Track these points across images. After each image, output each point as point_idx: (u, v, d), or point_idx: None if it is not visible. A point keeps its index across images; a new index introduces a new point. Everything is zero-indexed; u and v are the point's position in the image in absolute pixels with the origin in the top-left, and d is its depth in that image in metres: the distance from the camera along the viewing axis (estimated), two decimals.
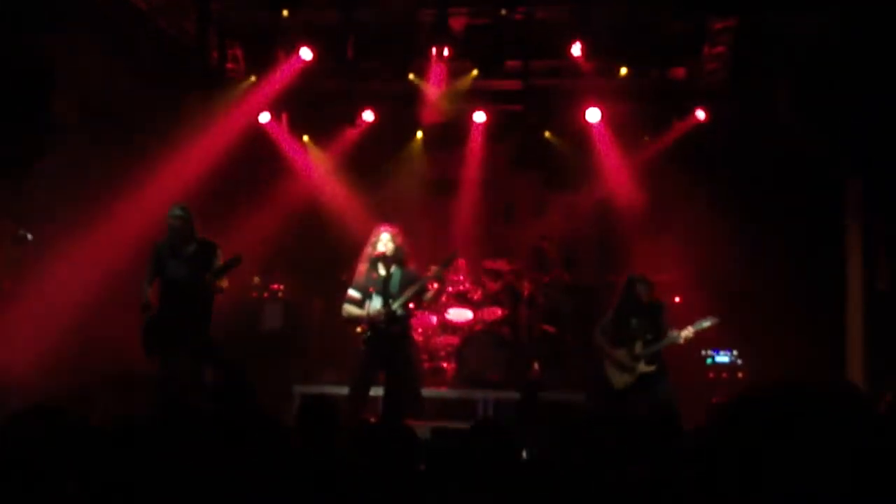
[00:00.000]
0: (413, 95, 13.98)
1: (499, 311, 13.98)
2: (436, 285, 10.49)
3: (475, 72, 13.71)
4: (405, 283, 10.30)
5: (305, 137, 14.94)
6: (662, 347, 10.75)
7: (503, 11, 12.45)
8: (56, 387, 9.83)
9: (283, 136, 14.68)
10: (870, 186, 11.20)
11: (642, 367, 10.76)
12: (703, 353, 13.24)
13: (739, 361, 13.25)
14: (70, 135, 11.35)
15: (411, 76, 13.72)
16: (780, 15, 11.52)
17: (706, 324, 10.67)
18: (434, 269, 10.31)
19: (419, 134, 15.15)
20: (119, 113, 12.05)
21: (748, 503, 1.54)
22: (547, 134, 14.66)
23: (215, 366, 10.02)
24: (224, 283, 10.06)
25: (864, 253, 11.17)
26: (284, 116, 14.56)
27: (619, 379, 10.90)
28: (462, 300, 14.06)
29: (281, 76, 13.58)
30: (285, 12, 12.78)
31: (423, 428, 7.25)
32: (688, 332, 10.65)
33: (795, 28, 11.52)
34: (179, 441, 4.39)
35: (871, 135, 10.70)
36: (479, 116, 14.63)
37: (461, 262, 13.78)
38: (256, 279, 14.00)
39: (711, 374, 13.25)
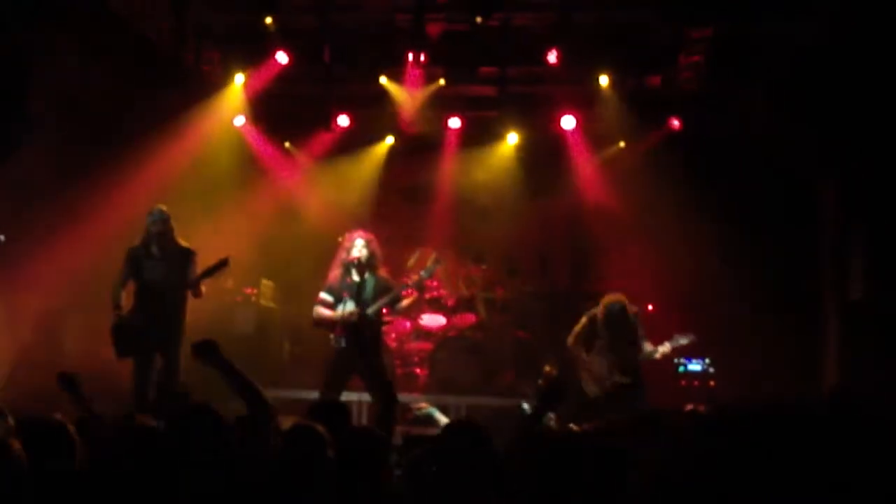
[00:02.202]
0: (389, 101, 13.96)
1: (472, 318, 13.99)
2: (413, 294, 10.49)
3: (442, 81, 13.70)
4: (379, 289, 10.29)
5: (287, 144, 14.91)
6: (639, 361, 10.78)
7: (479, 19, 12.42)
8: (23, 387, 9.82)
9: (258, 140, 14.62)
10: (843, 193, 11.25)
11: (618, 378, 10.77)
12: (676, 361, 13.25)
13: (711, 370, 13.28)
14: (46, 133, 11.31)
15: (386, 81, 13.69)
16: (756, 24, 11.56)
17: (683, 341, 10.74)
18: (415, 278, 10.31)
19: (390, 139, 15.10)
20: (95, 112, 12.00)
21: None
22: (521, 140, 14.65)
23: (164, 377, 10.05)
24: (203, 289, 10.07)
25: (838, 261, 11.22)
26: (260, 120, 14.50)
27: (593, 389, 10.91)
28: (436, 306, 14.06)
29: (257, 80, 13.55)
30: (269, 20, 12.75)
31: (395, 435, 7.23)
32: (665, 347, 10.71)
33: (770, 37, 11.56)
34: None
35: (845, 142, 10.75)
36: (454, 122, 14.62)
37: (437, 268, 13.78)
38: (230, 283, 13.96)
39: (683, 382, 13.27)
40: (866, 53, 10.08)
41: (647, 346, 10.76)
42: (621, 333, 10.85)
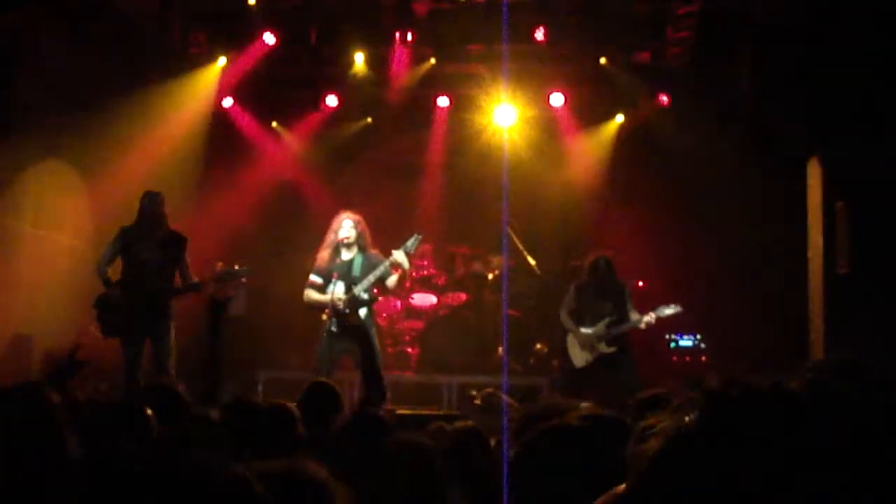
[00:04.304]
0: (377, 80, 13.95)
1: (463, 296, 14.00)
2: (399, 270, 10.46)
3: (433, 60, 13.71)
4: (367, 267, 10.29)
5: (274, 124, 14.87)
6: (624, 330, 10.82)
7: None
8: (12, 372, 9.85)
9: (246, 121, 14.60)
10: (831, 169, 11.26)
11: (602, 348, 10.83)
12: (667, 336, 13.30)
13: (702, 345, 13.33)
14: (34, 115, 11.30)
15: (363, 60, 13.67)
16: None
17: (668, 311, 10.75)
18: (396, 252, 10.29)
19: (370, 119, 15.09)
20: (82, 96, 11.98)
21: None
22: (510, 118, 14.66)
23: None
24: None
25: (826, 236, 11.22)
26: (248, 101, 14.47)
27: (580, 357, 10.96)
28: (426, 285, 14.08)
29: (244, 60, 13.52)
30: (252, 1, 12.73)
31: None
32: (650, 317, 10.73)
33: (757, 11, 11.56)
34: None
35: (833, 118, 10.75)
36: (443, 101, 14.61)
37: (426, 247, 13.77)
38: (220, 264, 13.93)
39: (675, 358, 13.32)
40: (852, 30, 10.09)
41: (634, 316, 10.80)
42: (607, 288, 10.89)
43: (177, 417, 4.93)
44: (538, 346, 12.87)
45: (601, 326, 10.84)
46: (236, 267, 10.37)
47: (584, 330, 10.96)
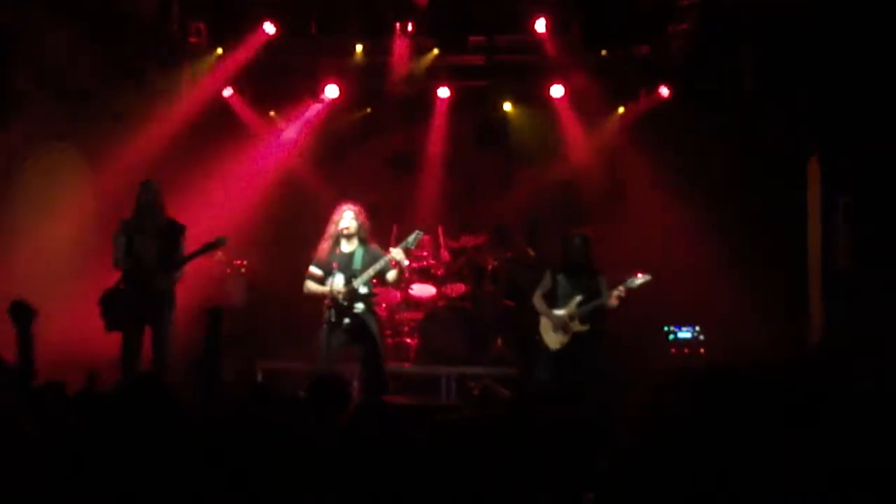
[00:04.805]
0: (377, 71, 13.94)
1: (462, 287, 14.00)
2: (399, 265, 10.47)
3: (436, 51, 13.70)
4: (368, 260, 10.30)
5: (272, 113, 14.86)
6: (596, 306, 10.75)
7: None
8: None
9: (246, 111, 14.59)
10: (830, 163, 11.28)
11: (576, 327, 10.77)
12: (666, 328, 13.32)
13: (701, 337, 13.32)
14: (33, 104, 11.29)
15: (360, 50, 13.66)
16: None
17: (638, 282, 10.66)
18: (395, 249, 10.29)
19: (370, 110, 15.08)
20: (82, 86, 11.97)
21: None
22: (511, 110, 14.68)
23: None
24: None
25: (825, 229, 11.25)
26: (248, 91, 14.47)
27: (554, 339, 10.91)
28: (425, 276, 14.07)
29: (244, 50, 13.51)
30: None
31: None
32: (619, 291, 10.61)
33: (759, 6, 11.56)
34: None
35: (834, 112, 10.77)
36: (443, 92, 14.61)
37: (426, 238, 13.76)
38: (220, 255, 13.95)
39: (673, 350, 13.31)
40: (853, 27, 10.10)
41: (605, 292, 10.75)
42: (582, 269, 10.87)
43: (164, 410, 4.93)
44: (537, 337, 12.88)
45: (573, 306, 10.80)
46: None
47: (556, 312, 10.92)
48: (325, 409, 5.75)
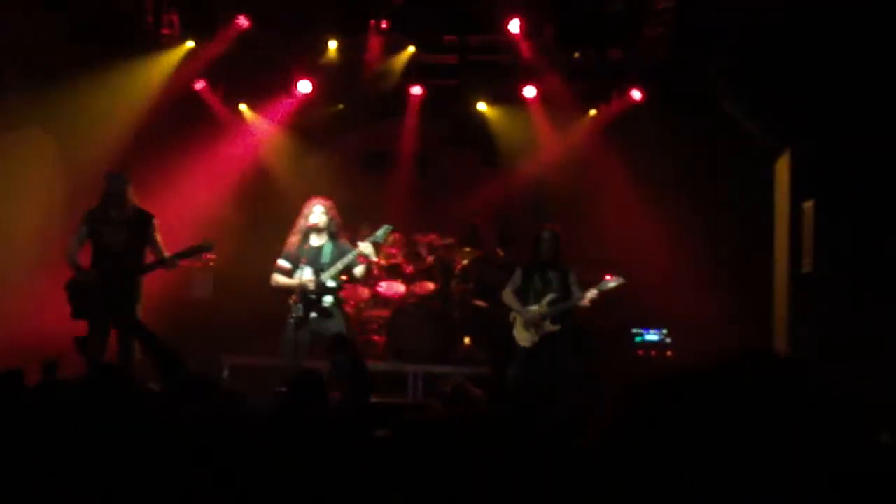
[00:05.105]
0: (350, 67, 13.91)
1: (431, 286, 14.00)
2: (366, 260, 10.46)
3: (411, 48, 13.69)
4: (336, 255, 10.31)
5: (242, 106, 14.80)
6: (568, 307, 10.77)
7: None
8: None
9: (218, 104, 14.53)
10: (799, 167, 11.34)
11: (547, 326, 10.79)
12: (633, 331, 13.35)
13: (668, 340, 13.37)
14: (5, 90, 11.23)
15: (335, 47, 13.63)
16: None
17: (611, 285, 10.70)
18: (363, 244, 10.29)
19: (343, 106, 15.04)
20: (55, 71, 11.91)
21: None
22: (482, 109, 14.68)
23: (143, 342, 10.00)
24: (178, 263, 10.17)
25: (792, 234, 11.31)
26: (220, 84, 14.41)
27: (525, 337, 10.93)
28: (395, 273, 14.06)
29: (217, 43, 13.45)
30: None
31: None
32: (592, 293, 10.65)
33: (732, 9, 11.59)
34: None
35: (803, 116, 10.83)
36: (416, 90, 14.61)
37: (396, 235, 13.76)
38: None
39: (640, 352, 13.36)
40: (823, 29, 10.16)
41: (577, 293, 10.77)
42: (552, 265, 10.88)
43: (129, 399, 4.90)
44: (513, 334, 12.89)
45: (544, 304, 10.82)
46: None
47: (528, 308, 10.93)
48: (304, 405, 5.76)
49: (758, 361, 1.66)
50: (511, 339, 11.07)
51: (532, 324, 10.84)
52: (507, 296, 11.13)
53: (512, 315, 11.11)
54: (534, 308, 10.84)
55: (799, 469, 1.53)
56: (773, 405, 1.58)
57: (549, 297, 10.77)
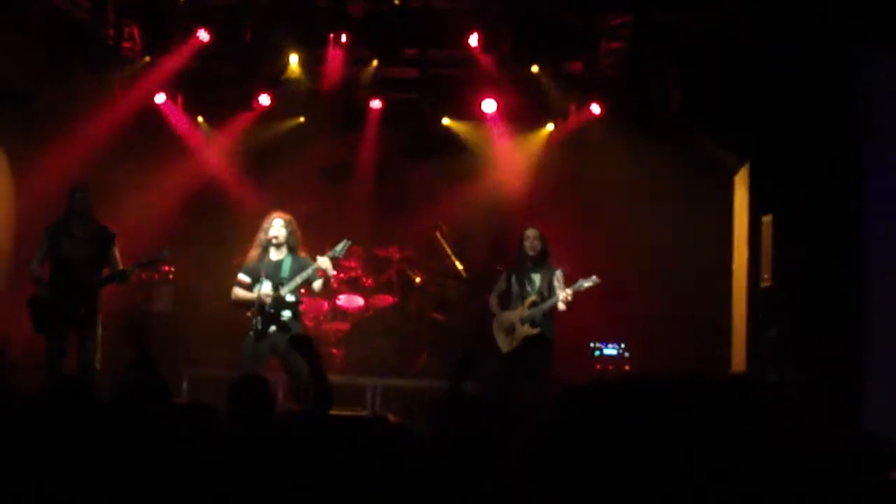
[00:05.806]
0: (310, 80, 13.90)
1: (389, 299, 14.02)
2: (325, 274, 10.47)
3: (375, 62, 13.70)
4: (296, 269, 10.31)
5: (200, 119, 14.76)
6: (546, 309, 10.80)
7: (397, 0, 12.46)
8: None
9: (178, 118, 14.49)
10: (757, 183, 11.45)
11: (527, 330, 10.81)
12: (592, 345, 13.41)
13: (626, 354, 13.44)
14: None
15: (297, 61, 13.63)
16: (675, 11, 11.68)
17: (586, 284, 10.70)
18: (321, 258, 10.31)
19: (303, 119, 15.03)
20: (13, 86, 11.85)
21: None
22: (442, 123, 14.71)
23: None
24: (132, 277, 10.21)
25: (751, 249, 11.40)
26: (180, 98, 14.37)
27: (504, 341, 10.95)
28: (354, 287, 14.07)
29: (178, 57, 13.41)
30: None
31: None
32: (566, 294, 10.67)
33: (689, 25, 11.69)
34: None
35: (760, 131, 10.93)
36: (376, 103, 14.63)
37: (355, 248, 13.75)
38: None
39: (598, 366, 13.41)
40: (779, 44, 10.28)
41: (555, 295, 10.80)
42: (537, 268, 10.91)
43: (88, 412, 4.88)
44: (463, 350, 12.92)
45: (524, 307, 10.86)
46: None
47: (506, 313, 10.97)
48: (247, 414, 5.60)
49: (707, 380, 1.69)
50: (492, 342, 11.07)
51: (508, 329, 10.87)
52: (492, 299, 11.18)
53: (494, 319, 11.14)
54: (512, 312, 10.88)
55: (745, 486, 1.54)
56: (714, 422, 1.60)
57: (530, 299, 10.80)
